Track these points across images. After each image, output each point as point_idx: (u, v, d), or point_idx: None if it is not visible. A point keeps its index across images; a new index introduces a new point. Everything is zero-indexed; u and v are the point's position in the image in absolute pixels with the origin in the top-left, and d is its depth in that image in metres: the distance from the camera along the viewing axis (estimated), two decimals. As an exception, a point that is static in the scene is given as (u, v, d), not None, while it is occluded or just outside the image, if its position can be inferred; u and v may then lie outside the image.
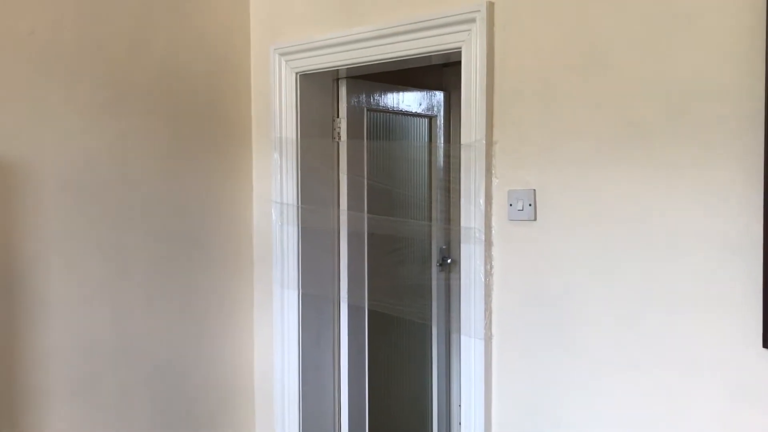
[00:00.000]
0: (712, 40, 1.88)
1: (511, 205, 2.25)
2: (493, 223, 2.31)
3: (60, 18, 2.43)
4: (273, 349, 3.00)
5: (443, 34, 2.39)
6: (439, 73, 3.63)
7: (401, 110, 3.40)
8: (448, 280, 3.68)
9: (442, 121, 3.62)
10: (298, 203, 2.91)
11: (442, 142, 3.62)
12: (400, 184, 3.46)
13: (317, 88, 2.96)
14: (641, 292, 2.02)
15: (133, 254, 2.67)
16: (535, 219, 2.22)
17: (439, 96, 3.59)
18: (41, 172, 2.40)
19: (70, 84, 2.47)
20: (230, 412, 3.02)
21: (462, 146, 2.36)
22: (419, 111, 3.50)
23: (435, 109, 3.58)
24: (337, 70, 2.85)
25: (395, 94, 3.34)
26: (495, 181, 2.29)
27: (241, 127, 3.01)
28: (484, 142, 2.28)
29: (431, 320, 3.65)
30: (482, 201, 2.30)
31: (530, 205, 2.22)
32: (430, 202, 3.60)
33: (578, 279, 2.14)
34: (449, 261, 3.66)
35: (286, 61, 2.87)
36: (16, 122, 2.34)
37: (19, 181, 2.35)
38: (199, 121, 2.86)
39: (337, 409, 3.14)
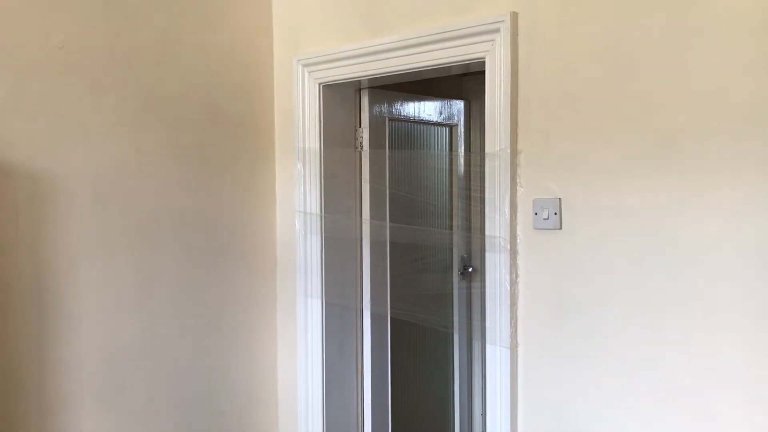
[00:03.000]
0: (737, 51, 1.88)
1: (536, 213, 2.26)
2: (518, 232, 2.32)
3: (89, 32, 2.48)
4: (296, 357, 3.01)
5: (467, 45, 2.41)
6: (458, 82, 3.65)
7: (422, 119, 3.41)
8: (469, 288, 3.68)
9: (462, 130, 3.63)
10: (321, 212, 2.93)
11: (463, 150, 3.64)
12: (421, 192, 3.47)
13: (339, 98, 2.99)
14: (669, 302, 2.02)
15: (159, 264, 2.70)
16: (560, 228, 2.22)
17: (459, 105, 3.60)
18: (70, 183, 2.44)
19: (99, 96, 2.51)
20: (254, 420, 3.04)
21: (486, 155, 2.37)
22: (440, 120, 3.52)
23: (455, 118, 3.59)
24: (359, 80, 2.88)
25: (416, 104, 3.36)
26: (520, 190, 2.30)
27: (265, 137, 3.04)
28: (509, 151, 2.29)
29: (453, 328, 3.65)
30: (507, 210, 2.31)
31: (556, 213, 2.22)
32: (452, 211, 3.61)
33: (605, 288, 2.14)
34: (470, 269, 3.66)
35: (309, 72, 2.90)
36: (45, 134, 2.38)
37: (49, 192, 2.39)
38: (223, 132, 2.89)
39: (360, 417, 3.15)
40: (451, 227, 3.62)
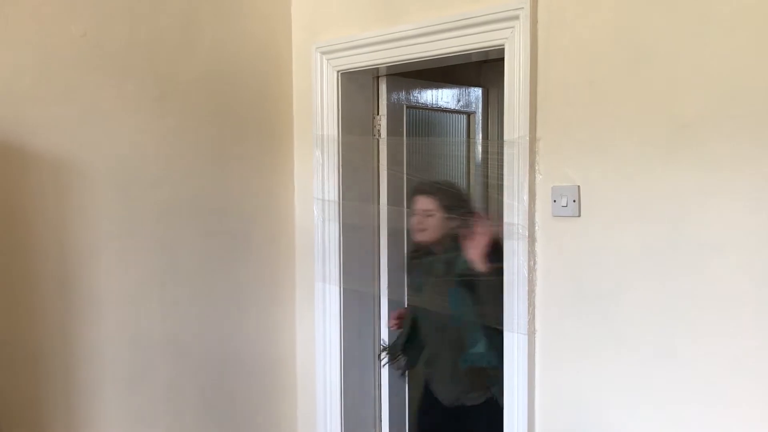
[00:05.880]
0: (760, 38, 1.87)
1: (554, 201, 2.26)
2: (537, 219, 2.32)
3: (110, 20, 2.50)
4: (315, 342, 3.04)
5: (486, 32, 2.41)
6: (476, 69, 3.64)
7: (440, 107, 3.42)
8: (486, 275, 3.69)
9: (480, 118, 3.63)
10: (339, 200, 2.95)
11: (481, 138, 3.64)
12: (439, 179, 3.47)
13: (358, 85, 3.00)
14: (687, 291, 2.02)
15: (179, 250, 2.73)
16: (579, 215, 2.22)
17: (477, 92, 3.60)
18: (92, 170, 2.47)
19: (120, 83, 2.54)
20: (273, 403, 3.08)
21: (505, 143, 2.37)
22: (458, 108, 3.52)
23: (473, 105, 3.59)
24: (378, 68, 2.88)
25: (434, 91, 3.36)
26: (539, 177, 2.30)
27: (283, 124, 3.06)
28: (528, 138, 2.29)
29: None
30: (526, 197, 2.31)
31: (574, 201, 2.22)
32: (469, 198, 3.61)
33: (623, 276, 2.15)
34: (487, 257, 3.67)
35: (328, 59, 2.91)
36: (68, 121, 2.41)
37: (71, 178, 2.42)
38: (242, 119, 2.91)
39: (377, 402, 3.18)
40: (468, 215, 3.63)
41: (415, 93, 3.24)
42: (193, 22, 2.74)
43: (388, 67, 2.88)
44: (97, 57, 2.47)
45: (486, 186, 3.62)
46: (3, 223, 2.28)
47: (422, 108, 3.31)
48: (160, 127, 2.66)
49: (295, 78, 3.07)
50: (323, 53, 2.91)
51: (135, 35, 2.57)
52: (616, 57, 2.13)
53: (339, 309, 2.98)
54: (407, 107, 3.19)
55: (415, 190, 2.93)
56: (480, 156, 3.64)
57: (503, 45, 2.37)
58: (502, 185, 2.42)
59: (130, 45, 2.56)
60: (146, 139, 2.62)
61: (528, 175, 2.30)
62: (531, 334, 2.35)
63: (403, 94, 3.16)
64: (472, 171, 3.61)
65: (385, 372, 3.16)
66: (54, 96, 2.37)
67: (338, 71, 2.90)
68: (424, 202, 2.84)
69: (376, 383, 3.17)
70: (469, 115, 3.60)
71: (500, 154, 2.43)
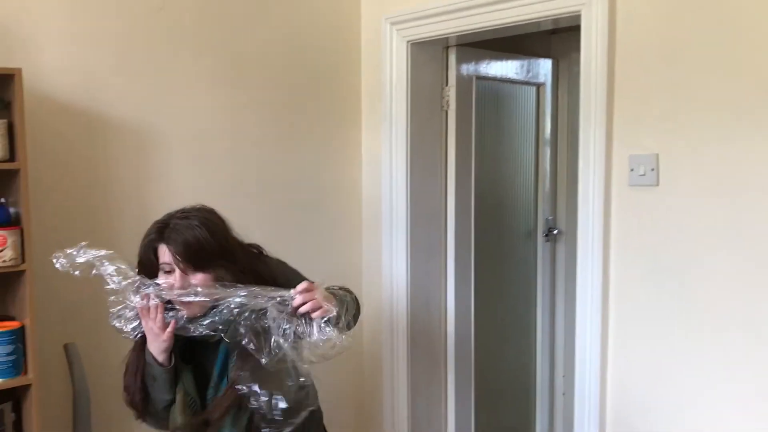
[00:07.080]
0: None
1: (632, 170, 2.21)
2: (613, 189, 2.27)
3: (186, -8, 2.55)
4: (381, 318, 3.06)
5: (561, -2, 2.36)
6: (545, 39, 3.57)
7: (509, 78, 3.36)
8: (553, 250, 3.65)
9: (550, 89, 3.56)
10: (407, 171, 2.94)
11: (550, 110, 3.57)
12: (507, 152, 3.44)
13: (427, 56, 2.98)
14: (772, 260, 1.96)
15: (251, 220, 2.75)
16: (657, 184, 2.17)
17: (547, 64, 3.53)
18: (170, 140, 2.54)
19: (194, 57, 2.59)
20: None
21: (581, 111, 2.33)
22: (527, 79, 3.46)
23: (542, 77, 3.52)
24: (447, 38, 2.86)
25: (503, 62, 3.31)
26: (615, 146, 2.25)
27: (352, 96, 3.07)
28: (605, 106, 2.24)
29: (536, 290, 3.63)
30: (602, 167, 2.26)
31: (652, 169, 2.17)
32: (537, 171, 3.56)
33: (703, 247, 2.09)
34: (555, 231, 3.63)
35: (397, 30, 2.90)
36: (147, 92, 2.48)
37: (151, 148, 2.50)
38: (311, 92, 2.94)
39: (444, 390, 3.20)
40: (536, 189, 3.58)
41: (484, 64, 3.19)
42: (264, -6, 2.77)
43: (458, 37, 2.85)
44: (174, 31, 2.53)
45: (555, 157, 3.58)
46: (87, 188, 2.37)
47: (491, 79, 3.26)
48: (233, 100, 2.70)
49: (364, 50, 3.07)
50: (393, 23, 2.90)
51: (208, 10, 2.61)
52: (699, 21, 2.05)
53: (406, 281, 2.98)
54: (476, 78, 3.15)
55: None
56: (549, 128, 3.58)
57: (579, 11, 2.31)
58: (576, 156, 2.37)
59: (204, 20, 2.60)
60: (221, 113, 2.67)
61: (605, 143, 2.25)
62: (605, 308, 2.31)
63: (472, 65, 3.12)
64: (541, 143, 3.56)
65: (451, 351, 3.14)
66: (135, 68, 2.44)
67: (408, 41, 2.88)
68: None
69: (443, 365, 3.17)
70: (538, 86, 3.53)
71: (574, 124, 2.39)
